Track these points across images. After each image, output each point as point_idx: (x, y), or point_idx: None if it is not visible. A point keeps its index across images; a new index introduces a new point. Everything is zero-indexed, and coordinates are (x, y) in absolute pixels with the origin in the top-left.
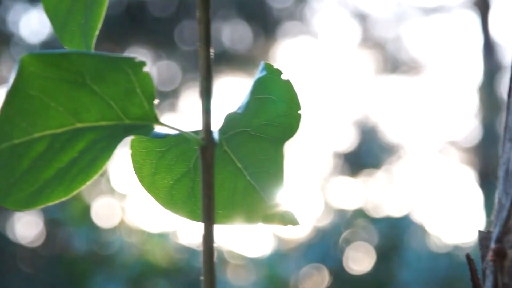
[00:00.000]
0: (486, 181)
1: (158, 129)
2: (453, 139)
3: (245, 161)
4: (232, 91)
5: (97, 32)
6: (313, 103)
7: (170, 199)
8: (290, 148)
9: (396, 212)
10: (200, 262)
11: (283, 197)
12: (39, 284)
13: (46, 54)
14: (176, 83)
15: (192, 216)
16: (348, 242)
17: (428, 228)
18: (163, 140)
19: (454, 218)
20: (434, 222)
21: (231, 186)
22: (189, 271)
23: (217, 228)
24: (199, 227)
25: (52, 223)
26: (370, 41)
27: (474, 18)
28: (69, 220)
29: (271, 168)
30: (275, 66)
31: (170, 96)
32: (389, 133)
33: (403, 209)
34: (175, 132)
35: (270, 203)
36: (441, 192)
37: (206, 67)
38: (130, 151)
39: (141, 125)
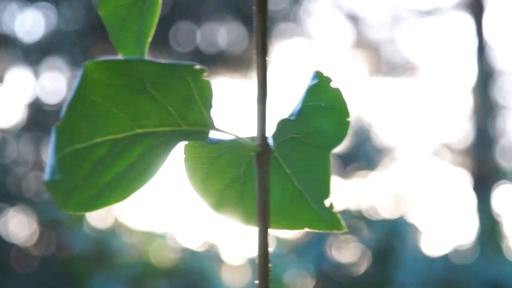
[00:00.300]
0: (480, 183)
1: (212, 134)
2: (447, 141)
3: (294, 167)
4: (228, 92)
5: (150, 39)
6: None
7: (220, 203)
8: None
9: (390, 214)
10: (199, 263)
11: (329, 203)
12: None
13: (110, 61)
14: None
15: (242, 220)
16: (343, 243)
17: (423, 230)
18: (215, 146)
19: (448, 220)
20: (429, 224)
21: (279, 191)
22: (187, 272)
23: (216, 228)
24: (251, 231)
25: (47, 223)
26: (364, 43)
27: (469, 21)
28: (64, 220)
29: (318, 175)
30: (325, 74)
31: None
32: (383, 135)
33: (398, 211)
34: (230, 137)
35: (316, 209)
36: (434, 194)
37: (262, 75)
38: (183, 156)
39: (198, 131)
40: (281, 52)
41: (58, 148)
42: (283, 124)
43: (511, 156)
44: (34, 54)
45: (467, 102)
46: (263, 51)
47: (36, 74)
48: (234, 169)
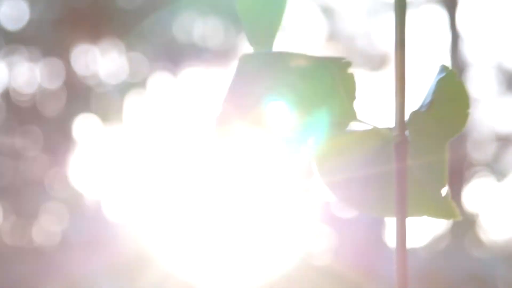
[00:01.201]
0: (454, 177)
1: (350, 126)
2: None
3: (416, 156)
4: (204, 84)
5: (278, 33)
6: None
7: (346, 194)
8: None
9: None
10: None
11: (445, 192)
12: None
13: (262, 53)
14: (144, 74)
15: (369, 210)
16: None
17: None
18: (346, 136)
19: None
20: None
21: None
22: None
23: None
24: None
25: None
26: (338, 35)
27: (442, 14)
28: None
29: (437, 164)
30: (451, 68)
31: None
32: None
33: None
34: (366, 128)
35: (435, 197)
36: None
37: (400, 68)
38: (313, 146)
39: (341, 122)
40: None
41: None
42: (414, 115)
43: (484, 149)
44: (7, 45)
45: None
46: (402, 45)
47: (8, 64)
48: (357, 160)
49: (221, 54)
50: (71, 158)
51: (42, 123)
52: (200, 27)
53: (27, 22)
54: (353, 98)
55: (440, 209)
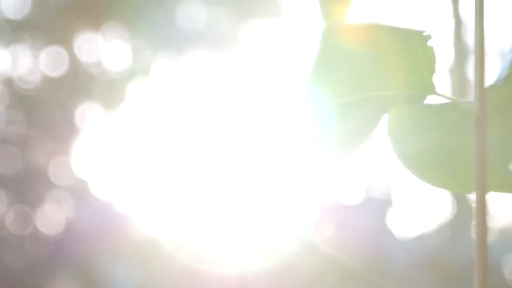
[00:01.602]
0: None
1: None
2: None
3: (490, 131)
4: (201, 69)
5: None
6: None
7: (419, 166)
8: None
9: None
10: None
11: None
12: None
13: (346, 25)
14: (148, 62)
15: (437, 183)
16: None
17: (397, 211)
18: (421, 110)
19: (422, 201)
20: (402, 206)
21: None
22: None
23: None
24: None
25: None
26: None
27: (446, 1)
28: None
29: (507, 139)
30: None
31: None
32: None
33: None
34: (444, 101)
35: (503, 172)
36: (408, 176)
37: (480, 41)
38: (387, 120)
39: (420, 95)
40: (257, 31)
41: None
42: (491, 89)
43: None
44: (10, 33)
45: (444, 83)
46: (481, 19)
47: (12, 52)
48: (433, 133)
49: (225, 42)
50: (75, 147)
51: (45, 111)
52: (204, 14)
53: (30, 10)
54: (433, 71)
55: (509, 184)
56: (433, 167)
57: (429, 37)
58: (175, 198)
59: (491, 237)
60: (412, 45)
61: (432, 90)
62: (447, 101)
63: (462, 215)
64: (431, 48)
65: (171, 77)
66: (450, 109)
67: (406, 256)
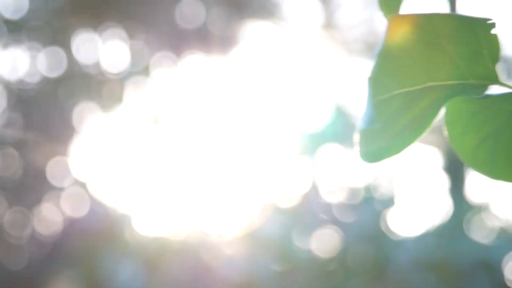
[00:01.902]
0: (451, 162)
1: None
2: None
3: None
4: (207, 71)
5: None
6: (284, 85)
7: (474, 158)
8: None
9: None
10: None
11: None
12: None
13: (411, 15)
14: (146, 62)
15: (492, 175)
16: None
17: (397, 210)
18: (479, 101)
19: (418, 200)
20: (399, 204)
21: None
22: None
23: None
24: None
25: None
26: (338, 22)
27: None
28: None
29: None
30: None
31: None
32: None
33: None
34: (504, 91)
35: None
36: (404, 173)
37: None
38: (445, 111)
39: (482, 84)
40: (255, 31)
41: (372, 97)
42: None
43: None
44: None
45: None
46: None
47: (10, 53)
48: (490, 125)
49: (224, 41)
50: (73, 148)
51: (43, 112)
52: (203, 14)
53: (28, 11)
54: (496, 60)
55: None
56: (489, 158)
57: (493, 25)
58: (174, 198)
59: (491, 237)
60: (476, 34)
61: (494, 79)
62: (508, 90)
63: (462, 215)
64: (495, 36)
65: (169, 77)
66: (492, 102)
67: (406, 256)
